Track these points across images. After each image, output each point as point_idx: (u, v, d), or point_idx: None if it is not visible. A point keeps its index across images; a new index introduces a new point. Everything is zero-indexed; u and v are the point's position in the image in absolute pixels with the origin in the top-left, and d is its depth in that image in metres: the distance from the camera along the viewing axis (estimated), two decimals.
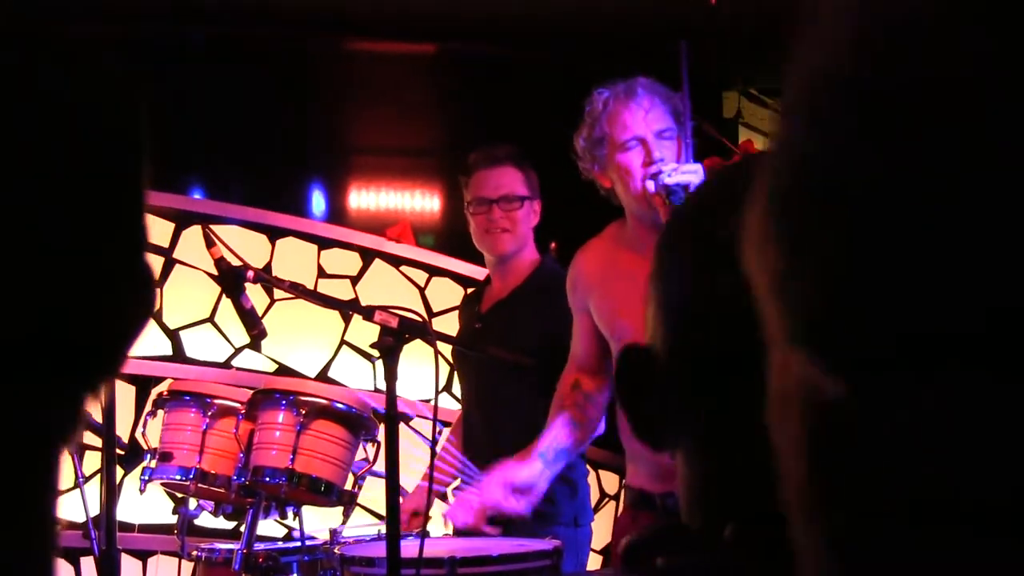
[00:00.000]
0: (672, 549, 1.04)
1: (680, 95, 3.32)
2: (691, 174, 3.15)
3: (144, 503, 5.37)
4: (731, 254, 0.96)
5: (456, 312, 4.72)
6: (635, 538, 1.08)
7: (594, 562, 5.07)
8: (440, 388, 5.30)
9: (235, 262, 3.24)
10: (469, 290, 4.83)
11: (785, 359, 0.64)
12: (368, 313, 3.07)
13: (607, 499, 6.01)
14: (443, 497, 4.37)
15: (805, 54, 0.65)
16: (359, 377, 5.80)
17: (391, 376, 2.99)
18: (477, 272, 5.47)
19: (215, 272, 3.27)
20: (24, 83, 0.74)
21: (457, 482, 3.80)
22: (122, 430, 4.98)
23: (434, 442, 3.37)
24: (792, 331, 0.60)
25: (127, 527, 5.54)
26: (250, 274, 3.19)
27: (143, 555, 5.60)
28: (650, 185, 3.19)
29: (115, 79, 0.81)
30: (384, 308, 3.09)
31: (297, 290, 3.24)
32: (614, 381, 1.09)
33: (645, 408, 1.05)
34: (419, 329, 3.06)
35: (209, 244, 3.28)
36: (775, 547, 0.94)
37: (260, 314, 5.55)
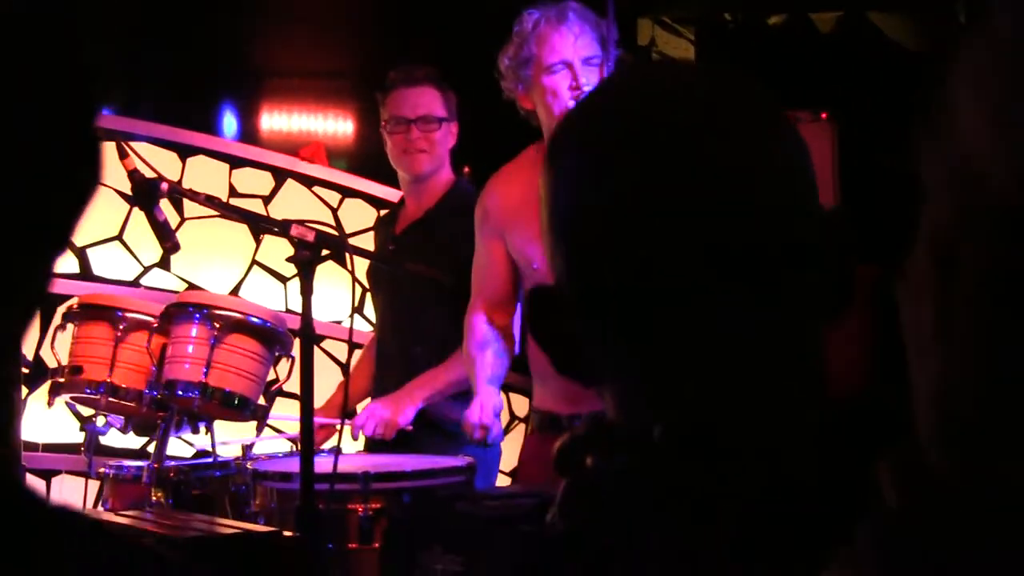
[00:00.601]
0: (603, 449, 1.04)
1: (606, 22, 3.33)
2: None
3: (49, 422, 5.30)
4: (626, 157, 0.96)
5: (370, 233, 4.70)
6: (567, 440, 1.09)
7: (503, 483, 5.11)
8: (354, 307, 5.30)
9: (149, 174, 3.19)
10: (382, 212, 4.79)
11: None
12: (284, 227, 3.05)
13: (516, 421, 6.04)
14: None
15: None
16: (270, 298, 5.75)
17: (307, 291, 2.97)
18: (391, 194, 5.43)
19: (125, 189, 3.22)
20: None
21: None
22: (26, 348, 4.92)
23: (347, 363, 3.37)
24: None
25: (31, 446, 5.47)
26: (164, 186, 3.15)
27: (47, 475, 5.54)
28: (572, 105, 3.19)
29: None
30: (300, 222, 3.07)
31: (213, 203, 3.21)
32: (526, 324, 1.08)
33: (564, 352, 1.04)
34: (335, 244, 3.05)
35: (122, 155, 3.22)
36: (703, 446, 0.95)
37: None
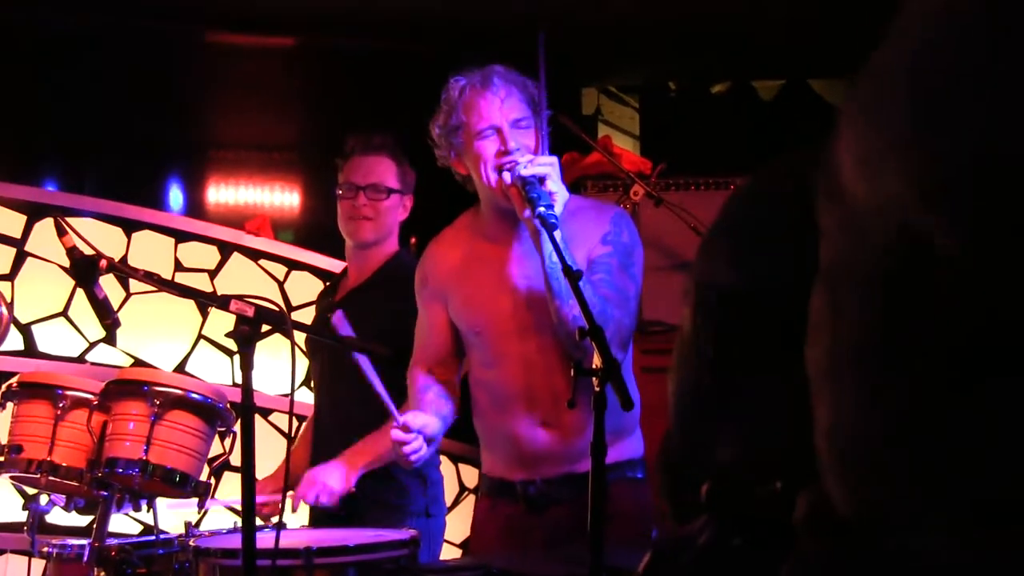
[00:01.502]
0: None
1: (537, 84, 3.35)
2: (546, 166, 3.18)
3: None
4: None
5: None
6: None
7: (451, 554, 5.08)
8: (300, 383, 5.28)
9: (88, 251, 3.18)
10: (327, 283, 4.80)
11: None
12: (224, 302, 3.04)
13: (466, 492, 6.02)
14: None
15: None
16: (217, 371, 5.74)
17: (247, 365, 2.96)
18: (337, 266, 5.45)
19: (68, 264, 3.20)
20: None
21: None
22: None
23: (290, 434, 3.36)
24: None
25: None
26: (103, 263, 3.14)
27: None
28: (506, 177, 3.21)
29: None
30: (240, 297, 3.06)
31: (152, 279, 3.20)
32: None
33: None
34: (276, 318, 3.04)
35: (61, 233, 3.21)
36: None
37: (116, 308, 5.48)
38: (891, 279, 0.61)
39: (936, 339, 0.60)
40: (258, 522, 3.80)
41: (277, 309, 3.07)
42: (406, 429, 3.27)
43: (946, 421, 0.60)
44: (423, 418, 3.35)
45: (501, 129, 3.29)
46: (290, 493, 3.73)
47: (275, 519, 3.78)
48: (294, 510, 3.80)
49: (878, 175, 0.61)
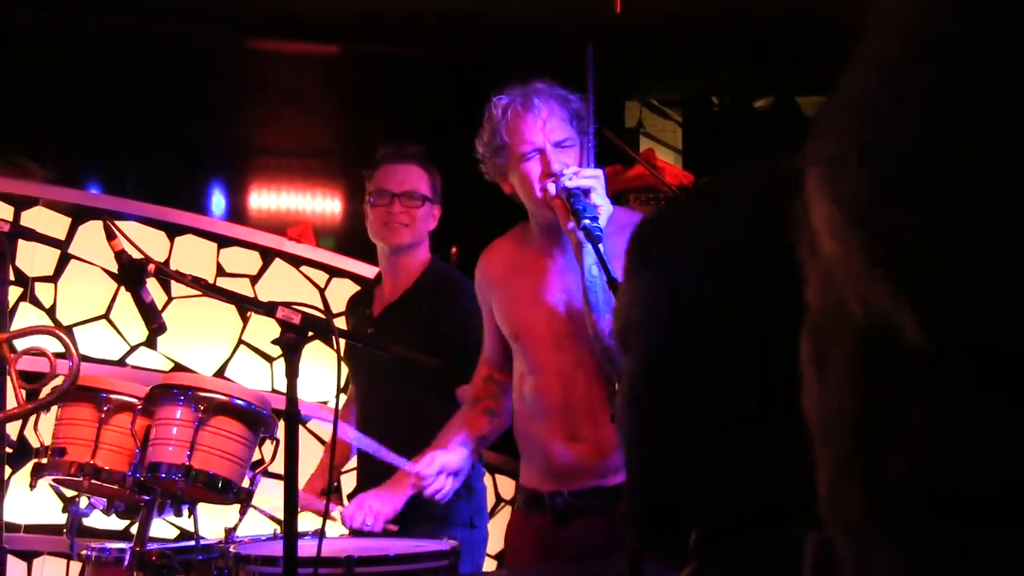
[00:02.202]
0: None
1: (582, 97, 3.34)
2: (591, 179, 3.17)
3: (31, 503, 5.26)
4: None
5: None
6: None
7: (489, 566, 5.07)
8: (341, 388, 5.28)
9: (136, 255, 3.19)
10: (354, 293, 4.77)
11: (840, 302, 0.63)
12: (270, 309, 3.04)
13: (503, 503, 6.01)
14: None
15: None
16: (256, 377, 5.75)
17: (292, 373, 2.96)
18: (374, 275, 5.45)
19: (112, 268, 3.21)
20: None
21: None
22: (10, 428, 4.90)
23: (332, 444, 3.35)
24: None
25: (13, 527, 5.43)
26: (151, 267, 3.15)
27: (29, 556, 5.48)
28: (550, 187, 3.20)
29: None
30: (286, 304, 3.06)
31: (199, 284, 3.20)
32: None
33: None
34: (322, 326, 3.04)
35: (110, 236, 3.22)
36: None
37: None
38: (863, 355, 0.60)
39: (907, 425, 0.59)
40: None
41: (323, 316, 3.06)
42: (420, 478, 3.37)
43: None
44: (440, 459, 3.41)
45: (544, 150, 3.28)
46: (338, 510, 3.74)
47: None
48: (344, 525, 3.81)
49: (842, 242, 0.59)
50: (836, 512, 0.64)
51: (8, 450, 4.62)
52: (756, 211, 0.99)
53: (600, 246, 3.00)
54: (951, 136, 0.56)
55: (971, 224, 0.54)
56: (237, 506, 3.38)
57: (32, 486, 3.53)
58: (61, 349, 3.02)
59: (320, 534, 3.11)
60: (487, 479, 5.75)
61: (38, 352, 3.06)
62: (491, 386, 3.59)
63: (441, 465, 3.41)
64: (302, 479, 4.02)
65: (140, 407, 3.39)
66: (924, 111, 0.57)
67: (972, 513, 0.57)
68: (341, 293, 5.89)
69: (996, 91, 0.55)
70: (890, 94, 0.60)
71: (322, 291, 5.92)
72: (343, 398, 5.26)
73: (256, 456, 3.55)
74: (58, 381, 3.70)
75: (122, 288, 4.91)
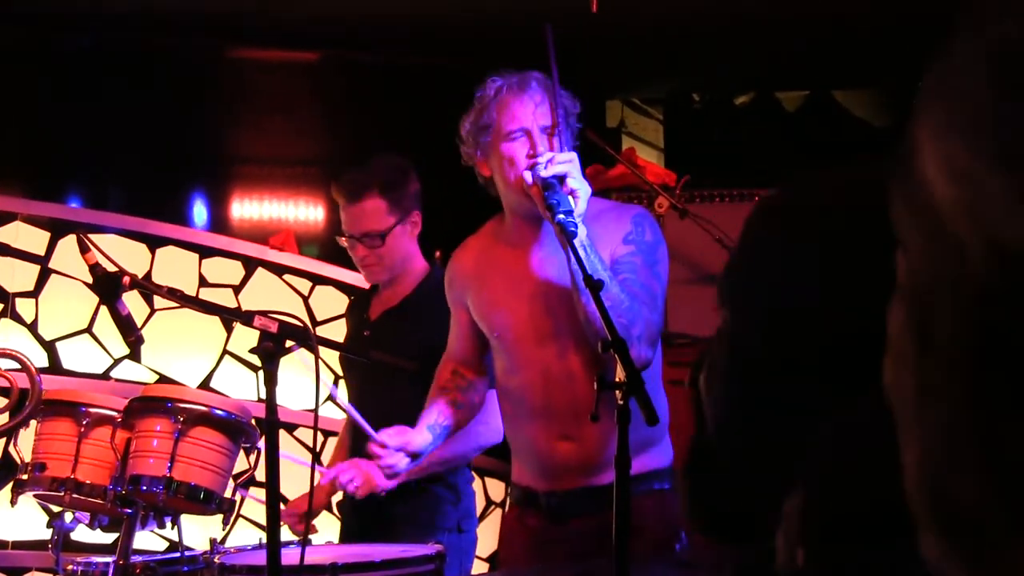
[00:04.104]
0: None
1: (572, 95, 3.34)
2: (566, 164, 3.15)
3: (18, 519, 5.24)
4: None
5: (341, 320, 4.68)
6: None
7: (479, 569, 5.06)
8: (325, 398, 5.27)
9: (111, 268, 3.17)
10: (353, 298, 4.77)
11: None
12: (248, 318, 3.03)
13: (493, 506, 6.00)
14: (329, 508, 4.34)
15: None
16: (242, 387, 5.73)
17: (271, 381, 2.95)
18: (361, 281, 5.42)
19: (91, 281, 3.20)
20: None
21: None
22: None
23: (315, 449, 3.34)
24: None
25: (1, 544, 5.41)
26: (126, 280, 3.13)
27: (17, 572, 5.46)
28: (527, 176, 3.19)
29: None
30: (264, 313, 3.05)
31: (175, 295, 3.19)
32: (682, 474, 1.02)
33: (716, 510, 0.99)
34: (300, 334, 3.03)
35: (83, 250, 3.21)
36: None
37: (140, 324, 5.48)
38: (988, 289, 0.57)
39: None
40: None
41: (300, 325, 3.05)
42: (381, 446, 3.33)
43: None
44: (406, 436, 3.38)
45: (531, 132, 3.27)
46: (323, 470, 3.72)
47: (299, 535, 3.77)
48: (324, 485, 3.78)
49: (973, 184, 0.56)
50: (941, 505, 0.59)
51: None
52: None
53: (576, 241, 2.99)
54: None
55: None
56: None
57: (13, 502, 3.51)
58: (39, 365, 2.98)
59: (303, 542, 3.10)
60: (477, 482, 5.75)
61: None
62: (458, 379, 3.57)
63: (404, 442, 3.39)
64: (285, 486, 4.01)
65: (120, 420, 3.37)
66: None
67: None
68: (325, 301, 5.88)
69: None
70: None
71: (306, 299, 5.90)
72: (330, 406, 5.25)
73: (246, 465, 3.53)
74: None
75: None
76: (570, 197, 3.10)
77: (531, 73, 3.34)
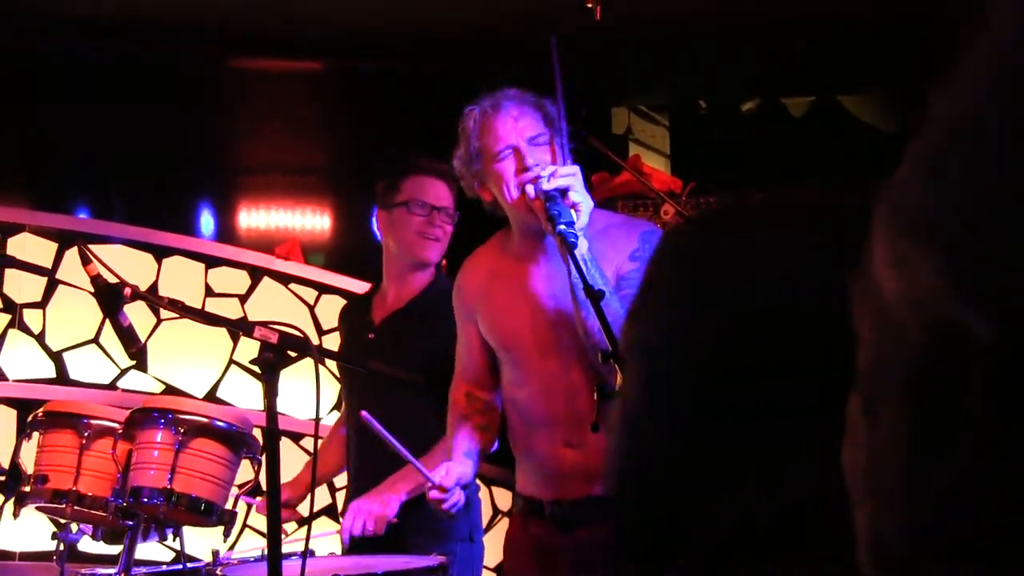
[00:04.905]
0: None
1: (552, 100, 3.33)
2: (568, 177, 3.15)
3: (26, 530, 5.24)
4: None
5: None
6: None
7: None
8: (332, 405, 5.26)
9: (112, 279, 3.17)
10: (345, 303, 4.73)
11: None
12: (248, 329, 3.03)
13: (500, 515, 5.99)
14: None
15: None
16: (248, 397, 5.73)
17: (271, 393, 2.94)
18: (367, 289, 5.43)
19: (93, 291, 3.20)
20: None
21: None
22: (3, 455, 4.89)
23: (315, 456, 3.34)
24: None
25: (7, 556, 5.41)
26: (127, 291, 3.13)
27: None
28: (529, 190, 3.19)
29: None
30: (264, 324, 3.05)
31: (176, 307, 3.18)
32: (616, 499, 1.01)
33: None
34: (300, 344, 3.02)
35: (85, 261, 3.21)
36: None
37: (146, 334, 5.49)
38: (926, 378, 0.60)
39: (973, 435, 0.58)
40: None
41: (301, 335, 3.04)
42: (443, 490, 3.29)
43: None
44: (456, 471, 3.35)
45: (518, 147, 3.27)
46: (336, 528, 3.72)
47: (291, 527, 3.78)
48: (343, 544, 3.78)
49: (911, 271, 0.59)
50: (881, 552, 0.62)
51: (1, 478, 4.62)
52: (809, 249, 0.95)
53: (577, 252, 2.99)
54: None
55: None
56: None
57: (15, 515, 3.51)
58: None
59: (305, 553, 3.09)
60: (484, 491, 5.74)
61: None
62: (474, 402, 3.55)
63: (457, 477, 3.37)
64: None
65: (121, 432, 3.36)
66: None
67: None
68: (331, 310, 5.87)
69: None
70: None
71: (312, 308, 5.90)
72: (336, 416, 5.24)
73: (250, 475, 3.52)
74: (39, 410, 3.68)
75: None
76: (572, 210, 3.10)
77: (503, 91, 3.35)
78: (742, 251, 0.96)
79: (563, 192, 3.12)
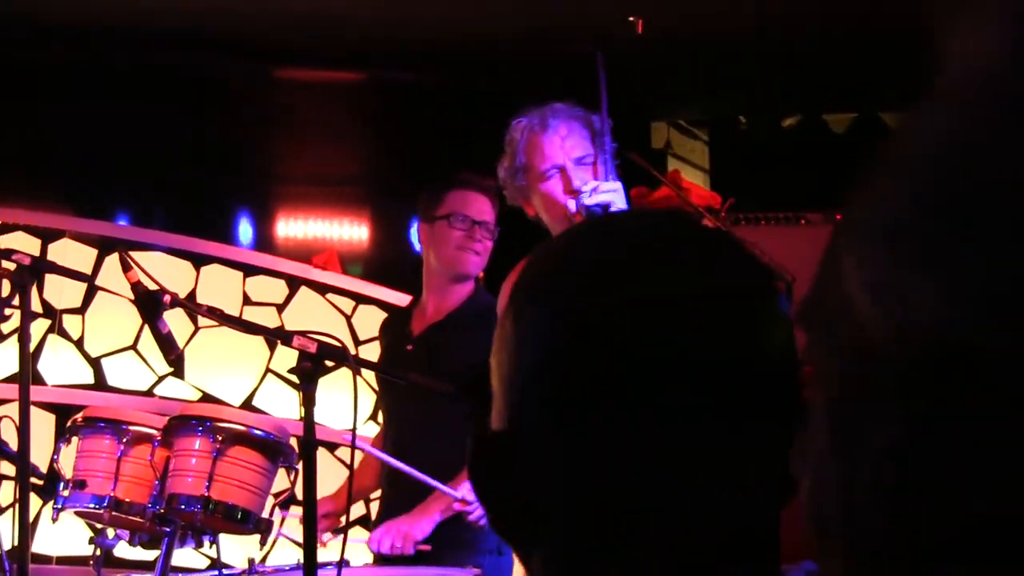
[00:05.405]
0: None
1: (599, 116, 3.33)
2: (611, 193, 3.15)
3: (63, 534, 5.27)
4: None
5: None
6: None
7: None
8: (369, 415, 5.27)
9: (152, 286, 3.19)
10: (387, 315, 4.75)
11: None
12: (287, 338, 3.03)
13: None
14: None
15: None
16: (284, 406, 5.74)
17: (308, 402, 2.94)
18: (404, 300, 5.42)
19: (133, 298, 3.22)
20: None
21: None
22: (42, 460, 4.92)
23: (353, 468, 3.34)
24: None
25: (44, 559, 5.44)
26: (167, 298, 3.14)
27: None
28: (571, 205, 3.19)
29: None
30: (303, 333, 3.05)
31: (215, 315, 3.19)
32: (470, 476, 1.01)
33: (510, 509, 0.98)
34: (338, 354, 3.02)
35: (125, 268, 3.23)
36: None
37: (184, 342, 5.51)
38: (919, 400, 0.59)
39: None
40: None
41: (339, 344, 3.05)
42: (465, 503, 3.30)
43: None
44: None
45: (564, 168, 3.27)
46: (365, 538, 3.72)
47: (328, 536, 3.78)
48: (372, 551, 3.78)
49: (899, 298, 0.59)
50: None
51: (39, 482, 4.64)
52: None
53: None
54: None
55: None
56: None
57: (54, 519, 3.53)
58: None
59: (340, 563, 3.09)
60: None
61: None
62: None
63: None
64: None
65: (159, 438, 3.38)
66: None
67: None
68: (368, 320, 5.88)
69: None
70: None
71: (349, 319, 5.91)
72: (372, 427, 5.25)
73: (286, 484, 3.54)
74: (78, 415, 3.70)
75: None
76: None
77: (551, 106, 3.33)
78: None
79: (605, 208, 3.11)
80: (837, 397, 0.63)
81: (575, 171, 3.26)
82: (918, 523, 0.58)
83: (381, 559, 3.95)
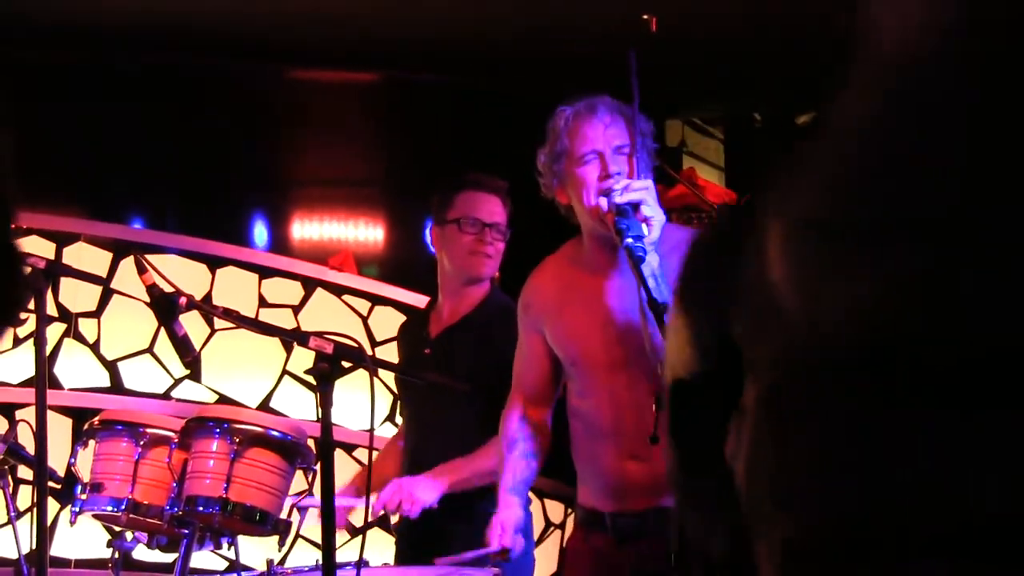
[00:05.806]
0: None
1: (643, 115, 3.32)
2: (641, 191, 3.13)
3: (81, 538, 5.27)
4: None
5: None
6: None
7: None
8: (385, 416, 5.27)
9: (168, 289, 3.18)
10: (406, 318, 4.76)
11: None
12: (303, 339, 3.03)
13: (552, 527, 5.97)
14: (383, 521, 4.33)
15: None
16: (301, 407, 5.74)
17: (326, 403, 2.94)
18: (420, 301, 5.43)
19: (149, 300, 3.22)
20: None
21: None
22: (59, 463, 4.92)
23: (371, 467, 3.33)
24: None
25: (63, 563, 5.44)
26: (183, 300, 3.14)
27: None
28: (602, 202, 3.18)
29: None
30: (319, 334, 3.04)
31: (231, 316, 3.19)
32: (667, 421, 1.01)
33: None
34: (355, 355, 3.01)
35: (141, 271, 3.23)
36: None
37: (200, 344, 5.52)
38: (811, 355, 0.59)
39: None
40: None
41: (356, 345, 3.04)
42: (506, 554, 3.32)
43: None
44: (509, 525, 3.37)
45: (603, 154, 3.26)
46: (372, 497, 3.71)
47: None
48: (374, 515, 3.78)
49: (828, 291, 0.59)
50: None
51: (56, 486, 4.65)
52: None
53: (645, 266, 2.97)
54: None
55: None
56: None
57: (72, 522, 3.53)
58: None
59: (358, 564, 3.08)
60: (536, 504, 5.73)
61: None
62: (526, 427, 3.54)
63: (512, 526, 3.38)
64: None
65: (176, 441, 3.38)
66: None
67: None
68: (384, 321, 5.88)
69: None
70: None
71: (365, 320, 5.91)
72: (389, 428, 5.25)
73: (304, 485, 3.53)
74: (95, 418, 3.70)
75: None
76: (644, 224, 3.08)
77: (600, 97, 3.33)
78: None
79: (635, 206, 3.10)
80: (770, 385, 0.63)
81: (612, 158, 3.25)
82: (847, 510, 0.58)
83: (402, 556, 3.95)
